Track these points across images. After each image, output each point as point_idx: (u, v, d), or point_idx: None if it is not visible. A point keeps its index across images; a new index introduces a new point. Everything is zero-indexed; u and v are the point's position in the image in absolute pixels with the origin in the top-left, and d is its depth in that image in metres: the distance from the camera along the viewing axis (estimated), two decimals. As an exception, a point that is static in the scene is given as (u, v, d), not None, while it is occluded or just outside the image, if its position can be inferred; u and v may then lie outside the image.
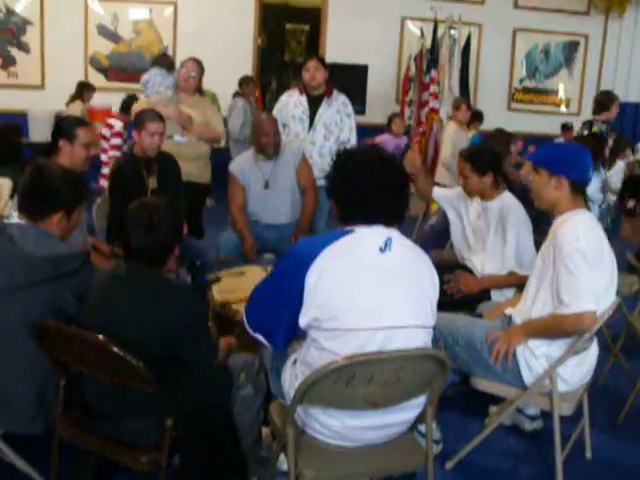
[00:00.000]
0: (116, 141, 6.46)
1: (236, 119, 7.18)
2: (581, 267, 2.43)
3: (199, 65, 4.63)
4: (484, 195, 3.46)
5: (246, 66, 8.43)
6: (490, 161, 3.41)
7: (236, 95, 7.46)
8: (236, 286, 3.17)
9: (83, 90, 7.53)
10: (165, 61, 4.76)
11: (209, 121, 4.60)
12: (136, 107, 4.51)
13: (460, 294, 3.34)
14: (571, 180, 2.60)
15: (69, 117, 3.32)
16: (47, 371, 2.19)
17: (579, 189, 2.63)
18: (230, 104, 7.33)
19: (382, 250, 2.02)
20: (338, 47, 8.37)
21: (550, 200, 2.65)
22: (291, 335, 2.08)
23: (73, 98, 7.49)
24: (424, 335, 2.08)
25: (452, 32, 8.05)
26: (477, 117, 7.57)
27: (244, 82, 7.55)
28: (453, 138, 6.52)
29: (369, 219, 2.06)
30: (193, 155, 4.50)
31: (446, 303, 3.02)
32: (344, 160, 2.14)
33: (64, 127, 3.21)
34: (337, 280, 1.96)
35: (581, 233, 2.50)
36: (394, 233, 2.07)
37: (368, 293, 1.98)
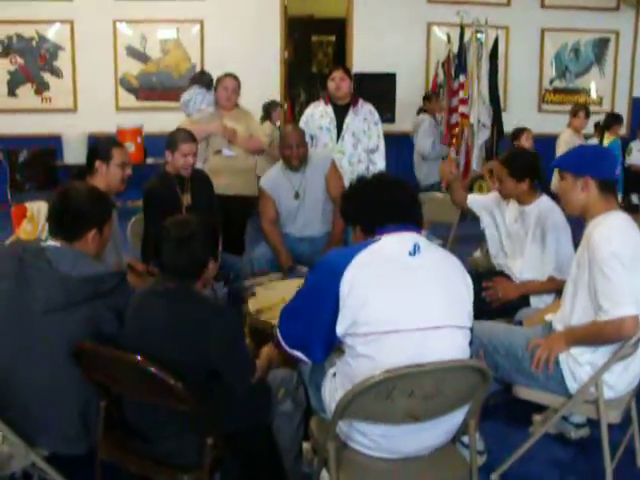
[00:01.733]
0: None
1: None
2: (617, 271, 2.37)
3: (237, 80, 4.70)
4: (521, 200, 3.40)
5: (274, 80, 8.48)
6: (527, 166, 3.33)
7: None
8: (271, 301, 3.17)
9: (270, 110, 7.37)
10: (204, 79, 4.81)
11: (253, 132, 4.69)
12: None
13: (499, 301, 3.28)
14: (598, 180, 2.54)
15: (103, 139, 3.37)
16: (89, 391, 2.21)
17: (608, 188, 2.57)
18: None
19: (412, 254, 2.04)
20: (365, 56, 8.35)
21: (579, 204, 2.59)
22: (329, 347, 2.07)
23: (262, 119, 7.28)
24: (461, 336, 2.07)
25: (479, 36, 7.99)
26: (616, 120, 7.31)
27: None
28: (568, 144, 6.44)
29: (393, 226, 2.10)
30: (242, 168, 4.60)
31: (484, 311, 3.01)
32: (357, 183, 2.35)
33: (99, 148, 3.26)
34: (370, 285, 1.97)
35: (614, 235, 2.44)
36: (420, 238, 2.10)
37: (402, 295, 1.99)
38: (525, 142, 6.29)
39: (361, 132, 4.66)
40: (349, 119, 4.65)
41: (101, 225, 2.38)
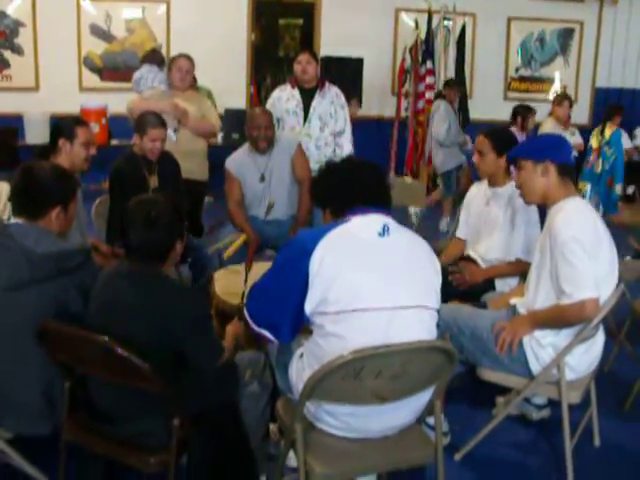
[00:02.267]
0: None
1: None
2: (578, 254, 2.41)
3: (190, 61, 4.62)
4: (495, 179, 3.40)
5: (240, 62, 8.40)
6: (510, 142, 3.30)
7: None
8: (238, 283, 3.15)
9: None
10: (155, 57, 4.75)
11: (205, 114, 4.61)
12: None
13: (465, 285, 3.31)
14: (557, 164, 2.59)
15: (67, 118, 3.31)
16: (53, 371, 2.18)
17: (567, 173, 2.62)
18: None
19: (381, 235, 2.06)
20: (333, 41, 8.32)
21: (540, 190, 2.63)
22: (297, 326, 2.08)
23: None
24: (428, 316, 2.09)
25: (446, 22, 8.02)
26: (617, 111, 7.02)
27: None
28: None
29: (363, 206, 2.11)
30: (189, 151, 4.48)
31: (451, 294, 3.05)
32: (326, 167, 2.38)
33: (63, 127, 3.20)
34: (339, 263, 1.98)
35: (575, 220, 2.49)
36: (389, 220, 2.12)
37: (370, 274, 2.00)
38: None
39: (328, 115, 4.67)
40: (316, 102, 4.65)
41: (65, 203, 2.34)
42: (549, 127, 6.78)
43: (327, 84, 4.74)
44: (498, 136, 3.38)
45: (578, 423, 2.87)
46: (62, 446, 2.21)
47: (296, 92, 4.68)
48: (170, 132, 4.35)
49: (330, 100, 4.69)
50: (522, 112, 6.71)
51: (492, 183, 3.44)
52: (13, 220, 2.26)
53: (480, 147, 3.39)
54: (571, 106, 7.00)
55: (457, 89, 7.34)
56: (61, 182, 2.35)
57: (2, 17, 8.02)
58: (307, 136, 4.61)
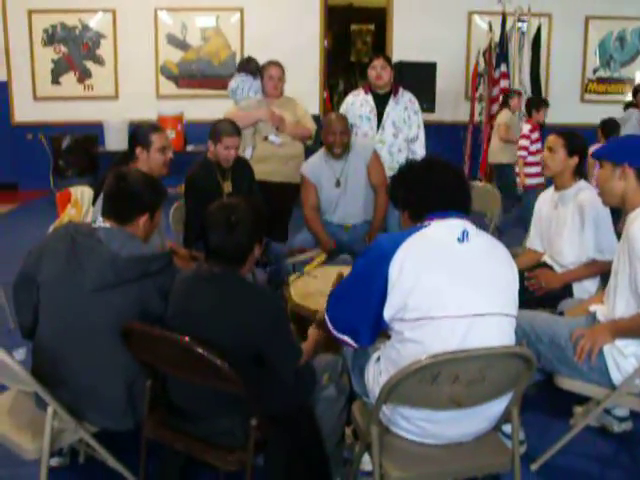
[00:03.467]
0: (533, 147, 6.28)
1: None
2: None
3: (281, 68, 4.73)
4: (561, 181, 3.38)
5: (313, 68, 8.49)
6: (582, 144, 3.36)
7: None
8: (314, 287, 3.19)
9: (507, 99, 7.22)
10: (250, 66, 4.82)
11: (300, 119, 4.71)
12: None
13: (542, 291, 3.25)
14: (636, 168, 2.52)
15: (142, 125, 3.40)
16: (135, 369, 2.25)
17: None
18: None
19: (460, 240, 2.04)
20: (405, 45, 8.30)
21: (617, 193, 2.58)
22: (377, 331, 2.09)
23: (500, 107, 7.25)
24: (507, 324, 2.06)
25: (521, 24, 7.87)
26: None
27: None
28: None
29: (442, 212, 2.10)
30: (289, 155, 4.63)
31: (527, 301, 2.99)
32: (406, 167, 2.32)
33: (139, 135, 3.30)
34: (419, 269, 1.97)
35: None
36: (468, 225, 2.10)
37: (450, 281, 1.99)
38: None
39: (401, 121, 4.64)
40: (389, 108, 4.63)
41: (153, 211, 2.43)
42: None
43: (401, 90, 4.71)
44: (571, 136, 3.38)
45: (662, 436, 2.77)
46: (143, 442, 2.28)
47: (369, 97, 4.68)
48: (272, 137, 4.49)
49: (404, 106, 4.66)
50: None
51: (558, 186, 3.41)
52: (101, 222, 2.35)
53: (552, 144, 3.37)
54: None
55: None
56: (152, 190, 2.43)
57: (85, 30, 8.40)
58: (380, 142, 4.60)
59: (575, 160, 3.32)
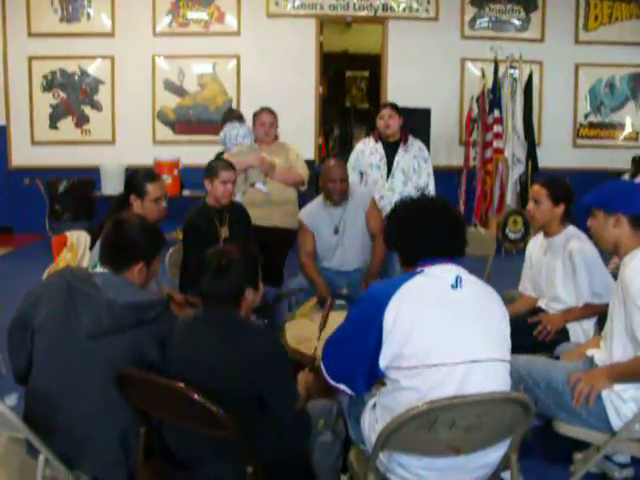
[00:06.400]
0: None
1: None
2: None
3: (273, 114, 4.74)
4: (549, 229, 3.40)
5: (309, 114, 8.58)
6: (566, 192, 3.36)
7: None
8: (309, 332, 3.17)
9: None
10: (233, 113, 4.87)
11: (292, 165, 4.69)
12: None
13: (551, 336, 3.26)
14: (629, 216, 2.54)
15: (138, 172, 3.41)
16: (129, 417, 2.22)
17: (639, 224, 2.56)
18: None
19: (454, 287, 2.05)
20: (399, 92, 8.40)
21: (611, 240, 2.60)
22: (372, 379, 2.08)
23: None
24: (503, 369, 2.06)
25: (513, 71, 8.02)
26: None
27: None
28: None
29: (436, 257, 2.10)
30: (281, 201, 4.60)
31: (523, 346, 2.98)
32: (401, 208, 2.27)
33: (134, 183, 3.31)
34: (413, 317, 1.97)
35: None
36: (462, 270, 2.11)
37: (445, 328, 1.99)
38: None
39: (411, 169, 4.68)
40: (399, 156, 4.68)
41: (149, 260, 2.42)
42: None
43: (410, 138, 4.75)
44: (554, 185, 3.38)
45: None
46: (136, 491, 2.24)
47: (379, 146, 4.72)
48: (259, 185, 4.46)
49: (413, 154, 4.70)
50: None
51: (547, 233, 3.44)
52: (99, 268, 2.35)
53: (536, 196, 3.38)
54: None
55: None
56: (148, 240, 2.43)
57: (84, 76, 8.52)
58: (390, 190, 4.63)
59: (561, 208, 3.34)
